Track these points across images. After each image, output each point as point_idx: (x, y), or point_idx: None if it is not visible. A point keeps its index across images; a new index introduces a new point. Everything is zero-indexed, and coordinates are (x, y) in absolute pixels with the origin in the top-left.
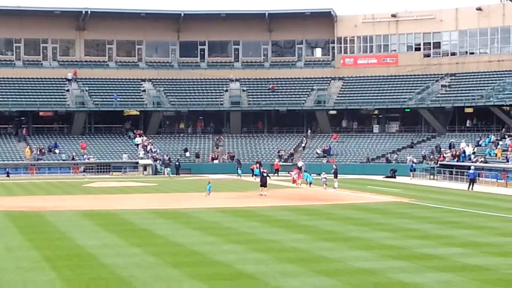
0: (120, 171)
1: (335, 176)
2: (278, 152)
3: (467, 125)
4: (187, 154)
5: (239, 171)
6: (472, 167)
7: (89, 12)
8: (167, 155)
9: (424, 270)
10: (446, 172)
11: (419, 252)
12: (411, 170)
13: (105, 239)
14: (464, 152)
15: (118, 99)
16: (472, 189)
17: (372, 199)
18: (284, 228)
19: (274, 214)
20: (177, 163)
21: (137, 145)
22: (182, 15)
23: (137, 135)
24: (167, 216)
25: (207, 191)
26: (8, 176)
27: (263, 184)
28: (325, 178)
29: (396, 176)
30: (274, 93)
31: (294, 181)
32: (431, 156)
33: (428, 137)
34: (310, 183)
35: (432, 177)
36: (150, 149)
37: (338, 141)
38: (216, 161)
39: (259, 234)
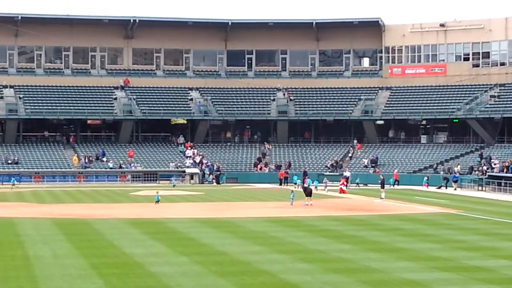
0: (168, 180)
1: (382, 187)
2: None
3: None
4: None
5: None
6: None
7: (137, 21)
8: (215, 164)
9: (471, 282)
10: (495, 183)
11: (466, 264)
12: (454, 181)
13: (151, 248)
14: None
15: (165, 108)
16: None
17: (419, 210)
18: (330, 238)
19: (320, 224)
20: (217, 172)
21: (188, 157)
22: (230, 24)
23: (188, 148)
24: (213, 225)
25: (291, 199)
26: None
27: (308, 194)
28: (326, 183)
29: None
30: (321, 103)
31: (341, 191)
32: (479, 168)
33: (477, 148)
34: (316, 187)
35: (480, 188)
36: (201, 161)
37: (385, 152)
38: (265, 169)
39: (305, 244)
